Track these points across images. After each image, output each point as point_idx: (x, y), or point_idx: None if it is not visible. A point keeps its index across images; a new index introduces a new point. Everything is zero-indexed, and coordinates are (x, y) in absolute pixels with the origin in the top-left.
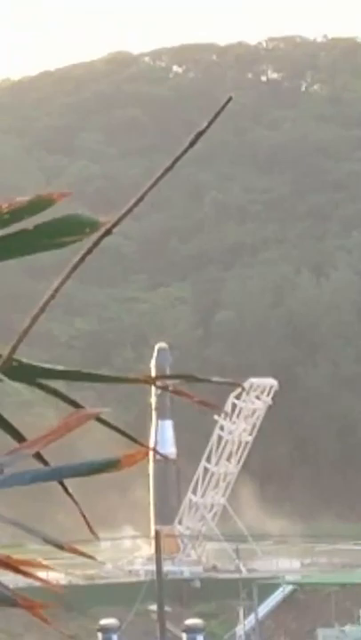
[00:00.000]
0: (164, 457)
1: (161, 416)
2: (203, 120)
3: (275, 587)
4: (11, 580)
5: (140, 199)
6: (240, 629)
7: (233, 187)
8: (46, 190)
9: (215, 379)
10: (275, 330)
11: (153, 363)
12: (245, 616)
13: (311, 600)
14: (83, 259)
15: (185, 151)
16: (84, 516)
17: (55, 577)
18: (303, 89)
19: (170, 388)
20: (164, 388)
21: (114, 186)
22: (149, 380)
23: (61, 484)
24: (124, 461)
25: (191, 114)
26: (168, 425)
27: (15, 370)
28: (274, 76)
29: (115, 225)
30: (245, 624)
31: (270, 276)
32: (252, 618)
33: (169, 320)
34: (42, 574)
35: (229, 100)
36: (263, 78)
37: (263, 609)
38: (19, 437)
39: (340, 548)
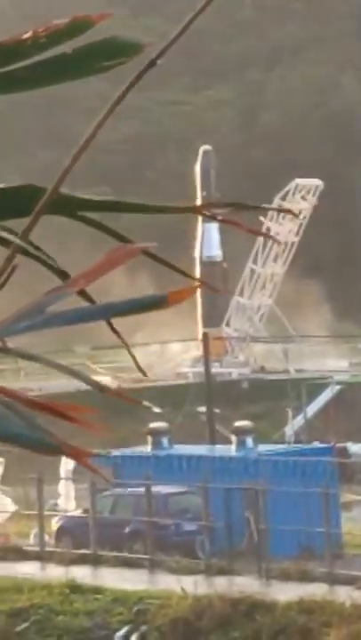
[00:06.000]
0: (212, 288)
1: (206, 218)
2: None
3: (323, 386)
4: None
5: (185, 29)
6: (289, 429)
7: None
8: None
9: (264, 205)
10: (318, 130)
11: (198, 165)
12: (294, 416)
13: (360, 399)
14: (124, 95)
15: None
16: (133, 357)
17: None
18: None
19: (218, 218)
20: (212, 218)
21: None
22: (196, 210)
23: (109, 323)
24: (171, 298)
25: None
26: (213, 227)
27: (54, 203)
28: None
29: (159, 56)
30: (294, 424)
31: (313, 76)
32: (300, 418)
33: (212, 122)
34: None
35: None
36: None
37: (312, 409)
38: (62, 275)
39: None
